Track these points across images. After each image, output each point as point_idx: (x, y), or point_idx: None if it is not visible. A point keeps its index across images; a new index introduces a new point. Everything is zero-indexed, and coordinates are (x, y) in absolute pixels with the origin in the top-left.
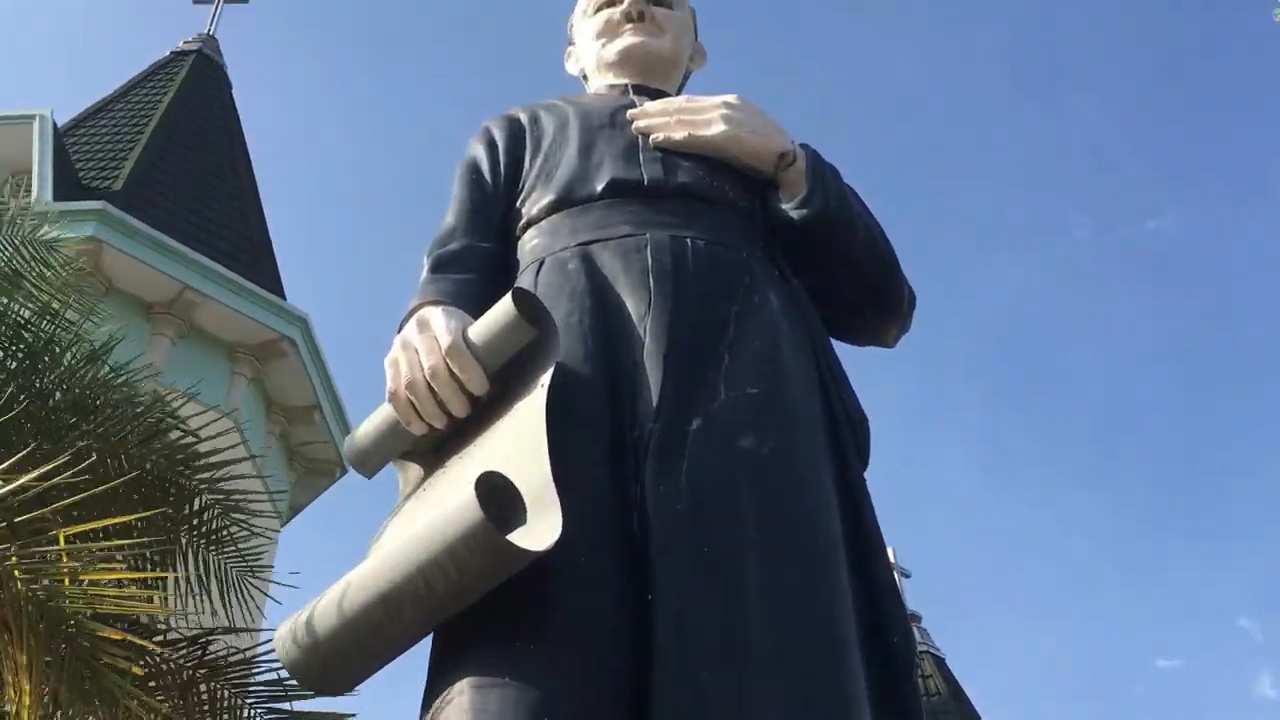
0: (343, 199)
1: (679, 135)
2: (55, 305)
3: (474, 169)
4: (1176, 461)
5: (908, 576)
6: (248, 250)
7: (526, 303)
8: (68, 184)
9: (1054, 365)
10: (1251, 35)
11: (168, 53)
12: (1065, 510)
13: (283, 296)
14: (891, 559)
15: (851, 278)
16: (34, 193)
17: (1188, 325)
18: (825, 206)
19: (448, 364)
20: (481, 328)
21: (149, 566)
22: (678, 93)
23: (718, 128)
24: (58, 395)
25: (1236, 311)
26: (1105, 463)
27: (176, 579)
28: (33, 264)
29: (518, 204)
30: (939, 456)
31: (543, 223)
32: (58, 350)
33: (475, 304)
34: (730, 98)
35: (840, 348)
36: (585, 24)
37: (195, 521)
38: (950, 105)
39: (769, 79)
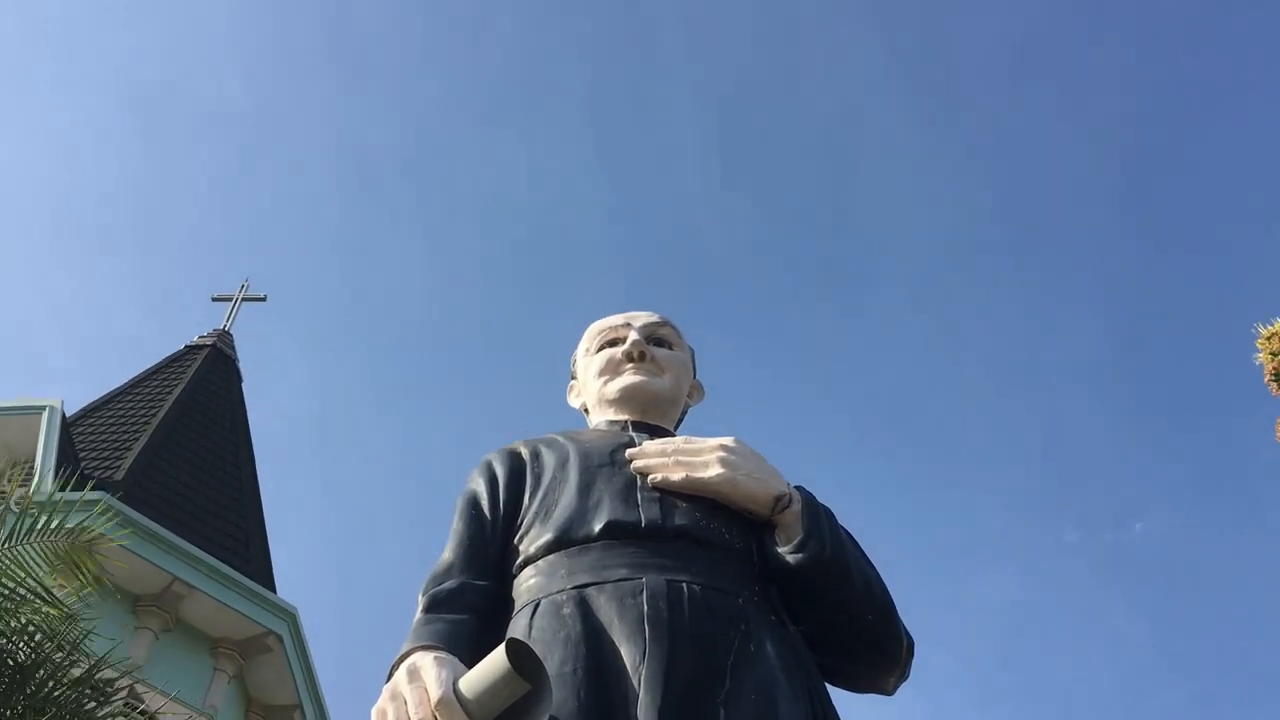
0: (344, 491)
1: (676, 477)
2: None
3: (473, 504)
4: None
5: None
6: (241, 541)
7: (520, 655)
8: (70, 473)
9: (1051, 676)
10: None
11: (182, 346)
12: None
13: (273, 588)
14: None
15: (849, 625)
16: (34, 482)
17: (1181, 633)
18: (821, 551)
19: (437, 718)
20: (474, 680)
21: None
22: (676, 428)
23: (714, 470)
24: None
25: (1229, 617)
26: None
27: None
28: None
29: (516, 541)
30: None
31: (540, 562)
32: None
33: (469, 646)
34: (727, 440)
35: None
36: (588, 361)
37: None
38: (935, 411)
39: (759, 391)
